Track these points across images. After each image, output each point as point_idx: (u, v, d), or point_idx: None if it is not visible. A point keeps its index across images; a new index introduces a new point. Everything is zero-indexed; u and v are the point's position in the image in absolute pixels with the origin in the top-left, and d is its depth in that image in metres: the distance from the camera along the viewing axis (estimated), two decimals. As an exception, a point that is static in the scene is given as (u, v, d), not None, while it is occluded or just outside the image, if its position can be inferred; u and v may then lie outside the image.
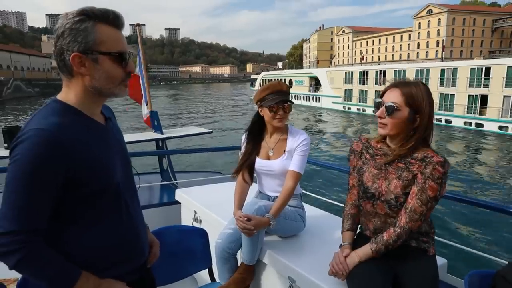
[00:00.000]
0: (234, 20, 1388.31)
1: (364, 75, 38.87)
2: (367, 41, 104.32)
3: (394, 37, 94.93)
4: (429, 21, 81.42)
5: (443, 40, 74.47)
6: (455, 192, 2.44)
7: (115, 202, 1.25)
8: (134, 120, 26.38)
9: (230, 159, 13.92)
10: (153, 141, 6.16)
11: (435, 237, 1.84)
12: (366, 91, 37.92)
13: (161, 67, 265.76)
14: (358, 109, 38.77)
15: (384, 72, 36.04)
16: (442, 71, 30.10)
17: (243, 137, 2.50)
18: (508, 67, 25.23)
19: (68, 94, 1.19)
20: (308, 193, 3.40)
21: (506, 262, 1.66)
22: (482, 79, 26.76)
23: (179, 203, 3.39)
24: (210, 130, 6.74)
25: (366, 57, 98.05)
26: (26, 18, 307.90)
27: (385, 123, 1.66)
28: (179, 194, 3.35)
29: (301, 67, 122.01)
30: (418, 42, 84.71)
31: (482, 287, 1.61)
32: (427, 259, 1.71)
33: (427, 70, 31.86)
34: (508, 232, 8.84)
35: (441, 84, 29.65)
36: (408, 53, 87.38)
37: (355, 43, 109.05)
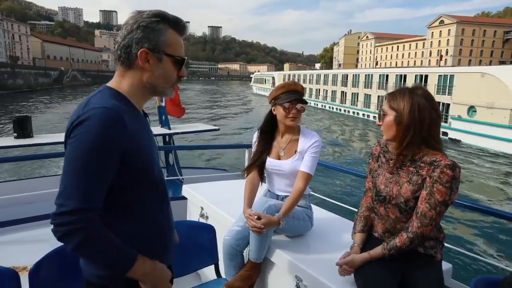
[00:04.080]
0: (278, 19, 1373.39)
1: (291, 76, 59.34)
2: (387, 47, 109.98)
3: (410, 44, 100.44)
4: (440, 31, 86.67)
5: (446, 50, 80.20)
6: (466, 200, 2.52)
7: (156, 193, 1.28)
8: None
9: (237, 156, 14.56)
10: (160, 136, 6.10)
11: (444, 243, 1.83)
12: None
13: (201, 63, 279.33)
14: None
15: (315, 75, 52.95)
16: (365, 76, 38.90)
17: (255, 135, 2.51)
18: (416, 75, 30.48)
19: (121, 83, 1.24)
20: (315, 194, 3.45)
21: None
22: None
23: (185, 198, 3.42)
24: (217, 127, 7.05)
25: (382, 63, 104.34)
26: (82, 14, 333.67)
27: (382, 130, 1.77)
28: (186, 190, 3.38)
29: (331, 69, 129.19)
30: (430, 50, 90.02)
31: None
32: (433, 264, 1.75)
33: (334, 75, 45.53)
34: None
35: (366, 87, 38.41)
36: (422, 60, 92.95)
37: (377, 49, 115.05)
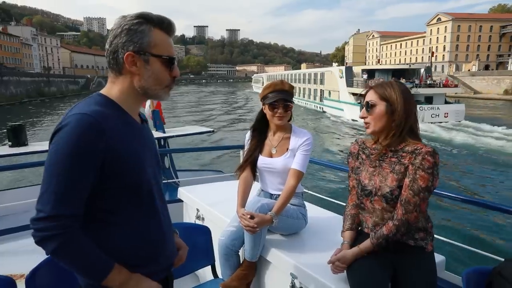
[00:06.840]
0: (298, 19, 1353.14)
1: (275, 76, 67.41)
2: (391, 45, 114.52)
3: (412, 42, 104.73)
4: (438, 28, 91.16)
5: (444, 46, 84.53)
6: (455, 192, 2.56)
7: (144, 200, 1.24)
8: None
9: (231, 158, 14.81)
10: (155, 140, 7.53)
11: (434, 235, 1.86)
12: None
13: (220, 66, 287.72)
14: None
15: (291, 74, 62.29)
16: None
17: (248, 134, 2.54)
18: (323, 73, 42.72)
19: (112, 89, 1.23)
20: (309, 191, 3.47)
21: (503, 259, 1.71)
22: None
23: (181, 201, 3.45)
24: (212, 130, 7.49)
25: (387, 60, 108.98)
26: (106, 23, 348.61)
27: (368, 122, 1.76)
28: (182, 192, 3.41)
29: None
30: (430, 47, 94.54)
31: (479, 284, 1.62)
32: (425, 255, 1.75)
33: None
34: (505, 230, 9.14)
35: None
36: (422, 57, 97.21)
37: (382, 47, 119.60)
